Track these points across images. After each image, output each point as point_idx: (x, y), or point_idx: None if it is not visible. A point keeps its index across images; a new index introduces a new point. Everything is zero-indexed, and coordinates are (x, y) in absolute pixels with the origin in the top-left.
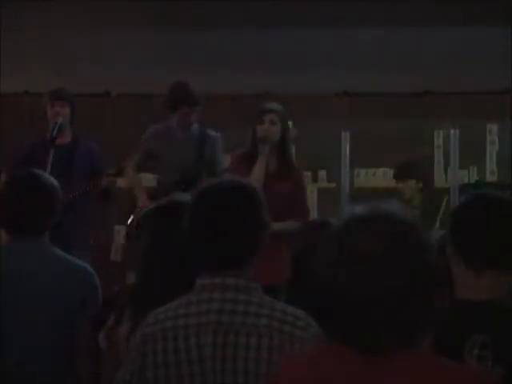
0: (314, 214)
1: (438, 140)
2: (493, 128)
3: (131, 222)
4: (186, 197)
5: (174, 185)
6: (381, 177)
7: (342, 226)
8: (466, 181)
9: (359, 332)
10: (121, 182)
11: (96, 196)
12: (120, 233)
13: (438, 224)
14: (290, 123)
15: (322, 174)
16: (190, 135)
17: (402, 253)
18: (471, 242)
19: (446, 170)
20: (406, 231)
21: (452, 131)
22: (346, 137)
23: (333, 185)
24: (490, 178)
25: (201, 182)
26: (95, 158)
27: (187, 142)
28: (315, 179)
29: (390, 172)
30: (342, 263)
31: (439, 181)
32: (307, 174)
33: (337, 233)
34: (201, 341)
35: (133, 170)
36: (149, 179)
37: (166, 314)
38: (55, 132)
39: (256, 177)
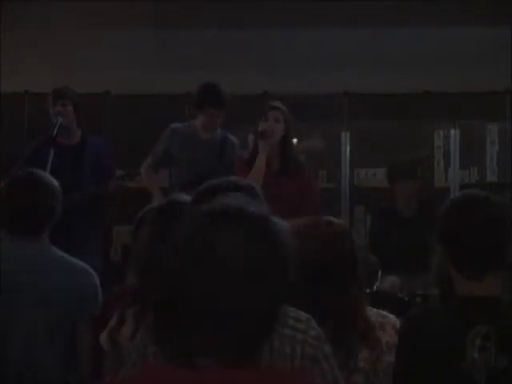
0: None
1: (438, 140)
2: (493, 128)
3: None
4: (186, 197)
5: (189, 186)
6: (381, 177)
7: (197, 223)
8: (466, 181)
9: (211, 345)
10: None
11: (101, 199)
12: (120, 233)
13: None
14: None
15: (322, 174)
16: (212, 137)
17: (262, 254)
18: (468, 249)
19: (446, 170)
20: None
21: (452, 131)
22: (345, 137)
23: (333, 185)
24: (490, 178)
25: None
26: (103, 162)
27: (209, 143)
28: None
29: None
30: (193, 266)
31: (439, 181)
32: None
33: (191, 229)
34: None
35: (148, 169)
36: (164, 179)
37: None
38: (55, 131)
39: (254, 175)
